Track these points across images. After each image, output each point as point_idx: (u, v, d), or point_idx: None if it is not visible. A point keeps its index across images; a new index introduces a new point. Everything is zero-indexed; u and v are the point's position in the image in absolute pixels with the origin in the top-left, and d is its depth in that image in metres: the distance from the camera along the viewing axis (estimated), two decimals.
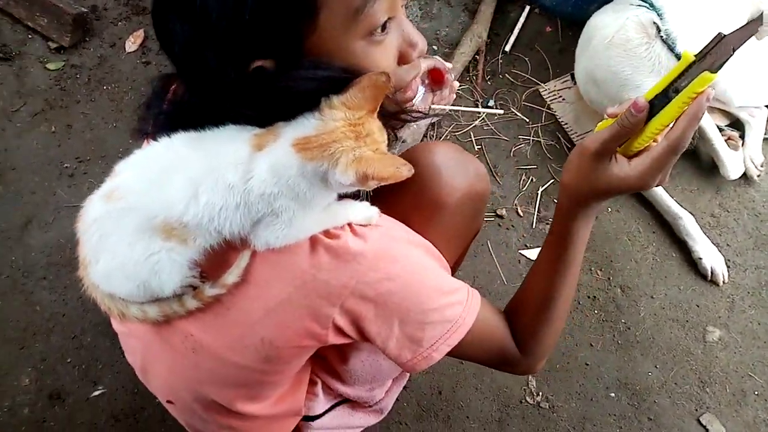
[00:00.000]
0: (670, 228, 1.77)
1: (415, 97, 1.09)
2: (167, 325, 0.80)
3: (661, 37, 1.57)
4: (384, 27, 0.74)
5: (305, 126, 0.70)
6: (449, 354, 0.83)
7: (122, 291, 0.76)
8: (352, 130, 0.69)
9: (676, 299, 1.69)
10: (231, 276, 0.74)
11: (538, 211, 1.82)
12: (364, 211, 0.79)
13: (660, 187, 1.76)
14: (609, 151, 0.76)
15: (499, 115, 1.93)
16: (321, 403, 1.09)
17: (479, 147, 1.91)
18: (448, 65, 1.30)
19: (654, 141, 0.75)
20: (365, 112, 0.71)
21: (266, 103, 0.72)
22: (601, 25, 1.75)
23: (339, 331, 0.78)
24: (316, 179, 0.69)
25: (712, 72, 0.68)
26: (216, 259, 0.74)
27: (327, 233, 0.75)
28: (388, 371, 1.12)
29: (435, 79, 1.31)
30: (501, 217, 1.81)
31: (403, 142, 1.85)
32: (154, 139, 0.76)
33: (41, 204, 1.75)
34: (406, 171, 0.68)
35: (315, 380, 1.07)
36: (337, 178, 0.68)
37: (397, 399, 1.49)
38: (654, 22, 1.59)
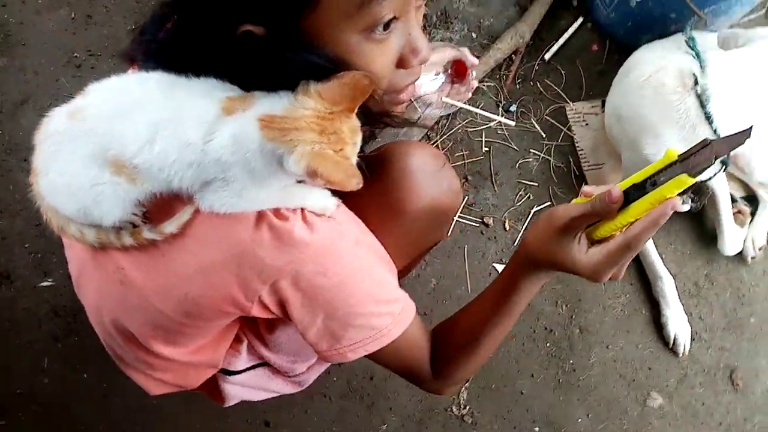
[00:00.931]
0: (648, 284, 1.72)
1: (405, 102, 1.06)
2: (103, 251, 0.80)
3: (696, 90, 1.49)
4: (387, 26, 0.72)
5: (276, 104, 0.68)
6: (364, 356, 0.84)
7: (64, 209, 0.76)
8: (318, 123, 0.67)
9: (631, 356, 1.66)
10: (170, 226, 0.74)
11: (524, 230, 1.78)
12: (321, 199, 0.78)
13: (651, 241, 1.71)
14: (575, 228, 0.75)
15: (509, 126, 1.87)
16: (243, 360, 1.10)
17: (487, 150, 1.86)
18: (474, 61, 1.25)
19: (620, 231, 0.74)
20: (340, 108, 0.69)
21: (246, 70, 0.70)
22: (642, 60, 1.67)
23: (264, 306, 0.79)
24: (272, 160, 0.68)
25: (690, 176, 0.66)
26: (162, 204, 0.74)
27: (277, 212, 0.74)
28: (312, 350, 1.13)
29: (458, 72, 1.27)
30: (486, 225, 1.77)
31: (419, 118, 1.80)
32: (141, 66, 0.75)
33: (42, 87, 1.74)
34: (354, 184, 0.67)
35: (241, 338, 1.08)
36: (289, 165, 0.67)
37: (327, 371, 1.50)
38: (693, 74, 1.50)
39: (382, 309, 0.82)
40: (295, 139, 0.66)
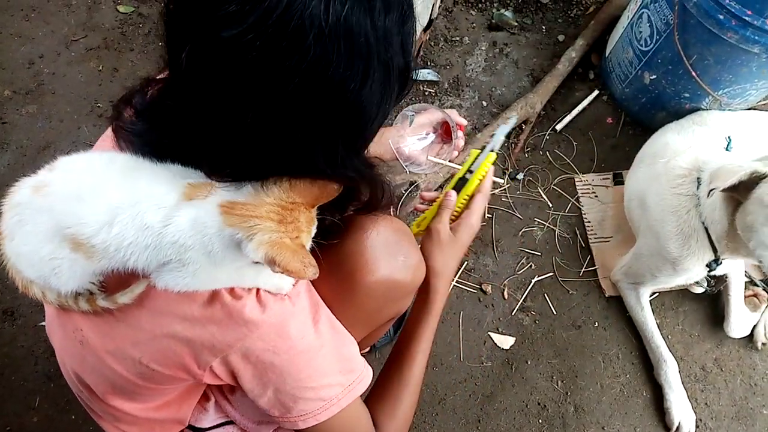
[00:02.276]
0: (650, 365, 1.66)
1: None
2: (64, 312, 0.83)
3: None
4: None
5: (241, 192, 0.71)
6: (315, 428, 0.84)
7: (27, 273, 0.79)
8: (278, 213, 0.70)
9: None
10: (124, 297, 0.77)
11: (524, 300, 1.75)
12: (276, 279, 0.80)
13: (655, 325, 1.65)
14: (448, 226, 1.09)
15: (500, 185, 1.87)
16: (210, 418, 1.09)
17: (489, 216, 1.85)
18: (461, 122, 1.27)
19: (459, 210, 1.13)
20: (302, 201, 0.71)
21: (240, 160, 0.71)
22: (674, 147, 1.60)
23: (215, 375, 0.81)
24: (231, 243, 0.70)
25: (493, 151, 1.16)
26: (117, 277, 0.76)
27: (232, 291, 0.76)
28: None
29: (447, 132, 1.29)
30: (484, 292, 1.75)
31: (414, 183, 1.82)
32: (122, 131, 0.77)
33: (64, 133, 1.83)
34: (311, 273, 0.69)
35: (209, 396, 1.07)
36: (247, 252, 0.69)
37: None
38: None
39: (333, 380, 0.83)
40: (255, 226, 0.68)
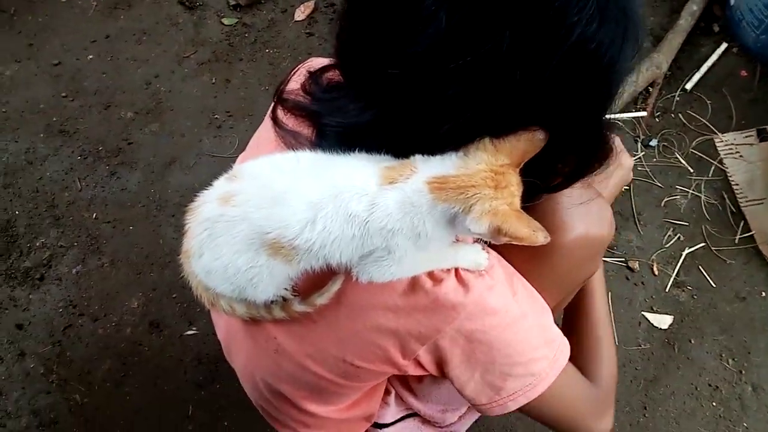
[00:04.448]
0: None
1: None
2: (254, 324, 0.83)
3: None
4: None
5: (444, 164, 0.67)
6: (522, 409, 0.80)
7: (218, 288, 0.79)
8: (493, 178, 0.65)
9: None
10: (321, 298, 0.75)
11: (676, 275, 1.61)
12: (473, 255, 0.76)
13: None
14: None
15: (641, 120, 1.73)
16: (392, 412, 1.08)
17: (627, 187, 1.73)
18: None
19: None
20: (509, 162, 0.66)
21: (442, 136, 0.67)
22: None
23: (419, 365, 0.78)
24: (442, 220, 0.67)
25: None
26: (312, 278, 0.75)
27: (431, 275, 0.73)
28: (462, 399, 1.08)
29: None
30: (631, 269, 1.63)
31: None
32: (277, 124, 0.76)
33: (187, 147, 1.87)
34: (542, 237, 0.64)
35: (389, 389, 1.06)
36: (467, 225, 0.65)
37: (477, 421, 1.41)
38: None
39: (539, 354, 0.79)
40: (473, 195, 0.64)
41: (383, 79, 0.64)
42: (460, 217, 0.65)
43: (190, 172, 1.83)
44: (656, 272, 1.62)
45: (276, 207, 0.69)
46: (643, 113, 1.80)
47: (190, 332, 1.63)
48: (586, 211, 0.88)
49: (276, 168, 0.75)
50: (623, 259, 1.64)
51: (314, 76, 0.80)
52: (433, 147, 0.67)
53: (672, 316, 1.57)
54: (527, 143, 0.66)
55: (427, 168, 0.67)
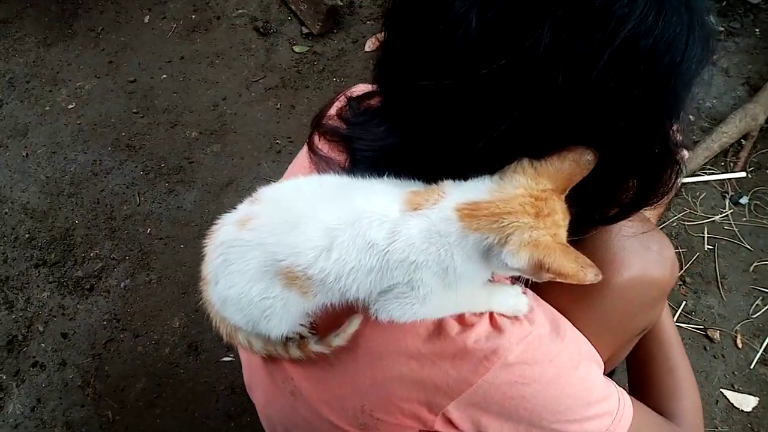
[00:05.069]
0: None
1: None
2: (272, 361, 0.77)
3: None
4: None
5: (477, 189, 0.59)
6: None
7: (232, 319, 0.73)
8: (533, 204, 0.57)
9: None
10: (337, 339, 0.68)
11: (765, 350, 1.42)
12: (511, 299, 0.68)
13: None
14: None
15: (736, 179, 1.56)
16: None
17: (710, 247, 1.56)
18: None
19: None
20: (552, 187, 0.58)
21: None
22: None
23: (449, 422, 0.68)
24: (475, 253, 0.58)
25: None
26: (332, 315, 0.68)
27: (460, 318, 0.65)
28: None
29: None
30: (711, 339, 1.45)
31: None
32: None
33: (245, 170, 1.86)
34: (591, 275, 0.55)
35: None
36: (503, 258, 0.56)
37: None
38: None
39: (597, 410, 0.68)
40: (509, 224, 0.55)
41: (415, 93, 0.58)
42: (495, 249, 0.56)
43: (246, 194, 1.77)
44: (740, 345, 1.44)
45: (291, 232, 0.63)
46: (741, 174, 1.63)
47: (226, 359, 1.58)
48: (644, 247, 0.77)
49: (297, 191, 0.68)
50: (702, 327, 1.47)
51: (352, 101, 0.75)
52: (467, 169, 0.59)
53: (757, 398, 1.37)
54: (573, 165, 0.57)
55: (457, 193, 0.59)
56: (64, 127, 1.99)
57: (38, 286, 1.70)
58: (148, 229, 1.78)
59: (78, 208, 1.84)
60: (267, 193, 0.70)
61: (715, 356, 1.43)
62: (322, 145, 0.75)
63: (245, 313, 0.69)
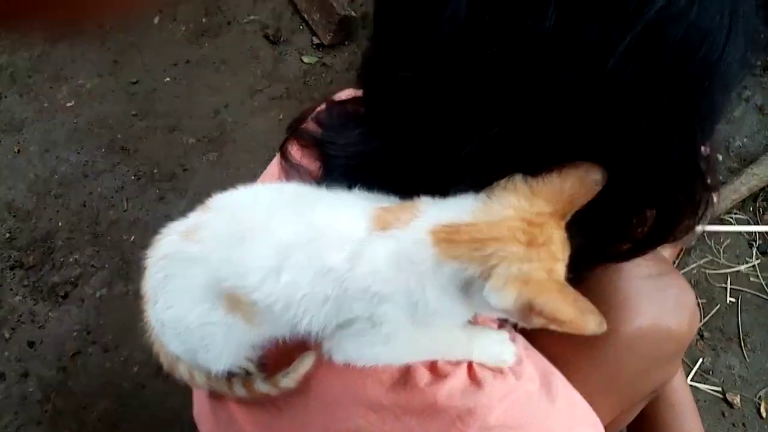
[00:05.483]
0: None
1: None
2: (216, 399, 0.69)
3: None
4: None
5: (459, 208, 0.50)
6: None
7: (170, 345, 0.64)
8: (525, 230, 0.47)
9: None
10: (286, 380, 0.59)
11: None
12: (495, 346, 0.58)
13: None
14: None
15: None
16: None
17: (733, 300, 1.42)
18: None
19: None
20: (550, 210, 0.48)
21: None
22: None
23: None
24: (451, 287, 0.49)
25: None
26: (283, 351, 0.60)
27: (433, 366, 0.56)
28: None
29: None
30: (730, 405, 1.31)
31: None
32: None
33: (240, 180, 1.73)
34: (593, 324, 0.45)
35: None
36: (484, 295, 0.47)
37: None
38: None
39: None
40: (494, 253, 0.46)
41: (395, 88, 0.49)
42: (476, 283, 0.46)
43: None
44: (764, 414, 1.29)
45: (239, 247, 0.54)
46: None
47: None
48: (660, 292, 0.67)
49: (253, 200, 0.60)
50: (720, 390, 1.32)
51: (333, 103, 0.67)
52: (449, 184, 0.50)
53: None
54: (577, 185, 0.47)
55: (434, 211, 0.50)
56: (60, 126, 1.93)
57: (11, 289, 1.62)
58: (132, 237, 1.70)
59: (63, 210, 1.76)
60: (220, 199, 0.62)
61: (734, 424, 1.29)
62: (296, 152, 0.68)
63: (183, 340, 0.60)
